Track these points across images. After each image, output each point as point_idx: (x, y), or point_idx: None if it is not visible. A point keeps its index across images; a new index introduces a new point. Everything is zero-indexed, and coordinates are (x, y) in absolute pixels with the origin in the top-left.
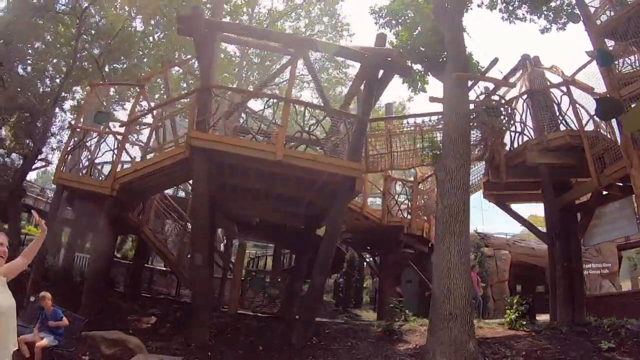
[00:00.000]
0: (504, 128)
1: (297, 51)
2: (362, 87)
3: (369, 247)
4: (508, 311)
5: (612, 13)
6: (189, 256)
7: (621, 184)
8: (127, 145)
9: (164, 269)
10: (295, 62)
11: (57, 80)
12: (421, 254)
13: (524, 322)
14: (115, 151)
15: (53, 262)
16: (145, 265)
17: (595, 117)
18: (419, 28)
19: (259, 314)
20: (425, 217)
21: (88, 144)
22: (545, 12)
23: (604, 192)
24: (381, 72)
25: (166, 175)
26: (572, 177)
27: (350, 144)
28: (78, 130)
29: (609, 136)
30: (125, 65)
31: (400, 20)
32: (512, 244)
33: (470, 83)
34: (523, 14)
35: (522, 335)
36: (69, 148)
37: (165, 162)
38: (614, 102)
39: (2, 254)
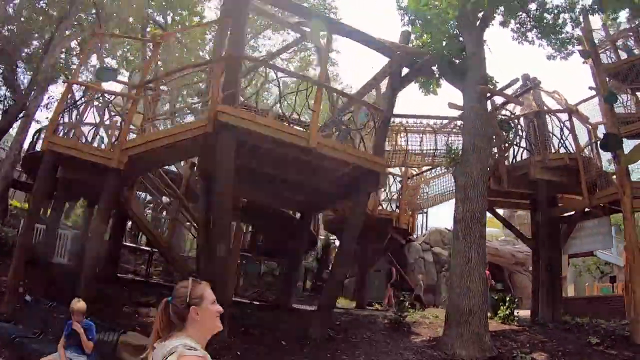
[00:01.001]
0: (511, 142)
1: (313, 32)
2: (384, 82)
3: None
4: (502, 307)
5: (611, 53)
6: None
7: (602, 205)
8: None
9: (133, 245)
10: (330, 44)
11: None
12: (397, 246)
13: (515, 318)
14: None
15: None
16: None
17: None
18: (438, 31)
19: (256, 302)
20: (411, 212)
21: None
22: (553, 40)
23: (586, 209)
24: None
25: (176, 150)
26: (560, 193)
27: (376, 138)
28: (78, 86)
29: (596, 162)
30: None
31: (421, 21)
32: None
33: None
34: (532, 38)
35: (517, 329)
36: (63, 107)
37: (182, 135)
38: (616, 138)
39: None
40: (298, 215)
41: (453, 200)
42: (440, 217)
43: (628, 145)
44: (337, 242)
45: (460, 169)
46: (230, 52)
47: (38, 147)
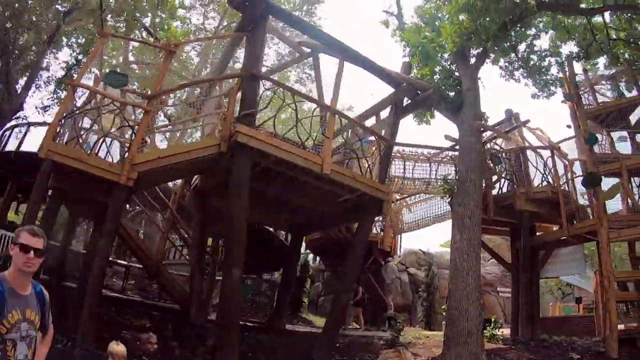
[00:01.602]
0: (500, 174)
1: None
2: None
3: (335, 256)
4: (488, 327)
5: (590, 96)
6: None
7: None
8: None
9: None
10: (341, 68)
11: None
12: (377, 266)
13: (500, 338)
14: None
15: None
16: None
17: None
18: (438, 67)
19: (249, 323)
20: (392, 234)
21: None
22: (538, 80)
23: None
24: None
25: (184, 166)
26: (540, 222)
27: (380, 165)
28: (85, 90)
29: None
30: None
31: (421, 54)
32: None
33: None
34: (519, 77)
35: (504, 347)
36: (66, 113)
37: (195, 152)
38: (596, 176)
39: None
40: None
41: (431, 226)
42: (414, 239)
43: (607, 183)
44: (318, 262)
45: (457, 199)
46: (247, 69)
47: (9, 147)
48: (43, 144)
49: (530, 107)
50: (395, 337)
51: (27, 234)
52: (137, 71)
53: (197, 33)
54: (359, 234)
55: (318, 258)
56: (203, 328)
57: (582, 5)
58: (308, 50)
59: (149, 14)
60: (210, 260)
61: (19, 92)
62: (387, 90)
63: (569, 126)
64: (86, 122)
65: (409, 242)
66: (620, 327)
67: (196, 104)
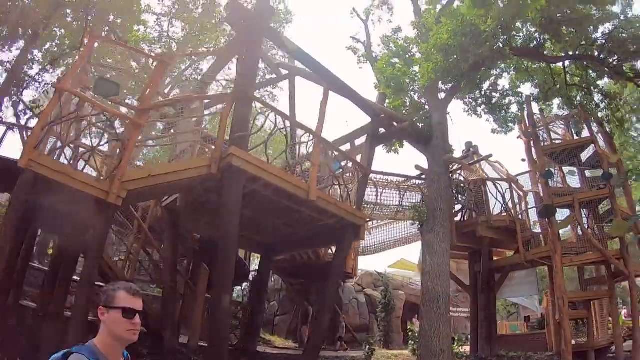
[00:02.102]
0: (464, 203)
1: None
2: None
3: (297, 277)
4: (453, 345)
5: (545, 134)
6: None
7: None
8: None
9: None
10: (327, 96)
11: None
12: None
13: (464, 355)
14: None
15: None
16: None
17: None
18: (409, 100)
19: None
20: (353, 256)
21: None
22: (498, 117)
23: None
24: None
25: (168, 187)
26: (497, 248)
27: (357, 192)
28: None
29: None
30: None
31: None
32: (405, 285)
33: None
34: (481, 112)
35: None
36: (50, 120)
37: (187, 173)
38: (551, 208)
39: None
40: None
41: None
42: (365, 260)
43: (561, 213)
44: (273, 282)
45: (427, 227)
46: (241, 90)
47: None
48: (24, 152)
49: (489, 140)
50: (369, 357)
51: (127, 294)
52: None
53: (162, 40)
54: (337, 258)
55: (274, 278)
56: (179, 352)
57: (546, 52)
58: (285, 72)
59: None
60: (182, 281)
61: None
62: (359, 116)
63: (523, 160)
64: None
65: (361, 263)
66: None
67: (171, 119)
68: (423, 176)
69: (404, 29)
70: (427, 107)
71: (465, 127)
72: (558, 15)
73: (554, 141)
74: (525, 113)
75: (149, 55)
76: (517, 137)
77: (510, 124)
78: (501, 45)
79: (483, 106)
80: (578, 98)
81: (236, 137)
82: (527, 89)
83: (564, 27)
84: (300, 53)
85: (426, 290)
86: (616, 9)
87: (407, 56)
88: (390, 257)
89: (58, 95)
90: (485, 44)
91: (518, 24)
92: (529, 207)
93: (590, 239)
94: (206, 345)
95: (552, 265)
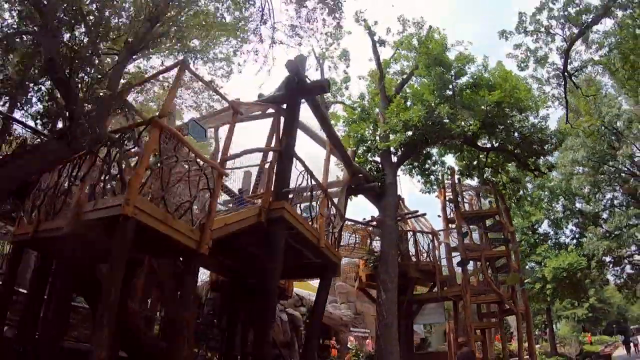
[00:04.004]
0: (403, 250)
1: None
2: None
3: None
4: None
5: (460, 197)
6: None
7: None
8: None
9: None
10: (330, 154)
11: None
12: None
13: None
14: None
15: None
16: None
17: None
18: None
19: None
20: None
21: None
22: (427, 180)
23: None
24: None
25: (233, 235)
26: (416, 284)
27: (337, 235)
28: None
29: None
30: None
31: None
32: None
33: None
34: (414, 174)
35: None
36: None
37: (246, 221)
38: (466, 260)
39: None
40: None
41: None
42: None
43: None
44: None
45: (381, 268)
46: (285, 147)
47: None
48: (129, 199)
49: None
50: None
51: None
52: None
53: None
54: (321, 293)
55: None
56: None
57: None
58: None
59: None
60: None
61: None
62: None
63: (439, 216)
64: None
65: None
66: None
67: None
68: (373, 223)
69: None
70: (380, 166)
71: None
72: (496, 119)
73: (464, 204)
74: (450, 183)
75: (226, 99)
76: (436, 196)
77: (434, 187)
78: (456, 132)
79: (417, 169)
80: (490, 176)
81: (283, 192)
82: (448, 159)
83: (497, 129)
84: (326, 123)
85: (381, 317)
86: (532, 118)
87: (371, 121)
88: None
89: (158, 133)
90: (443, 128)
91: (464, 121)
92: (442, 255)
93: (491, 285)
94: None
95: (463, 301)
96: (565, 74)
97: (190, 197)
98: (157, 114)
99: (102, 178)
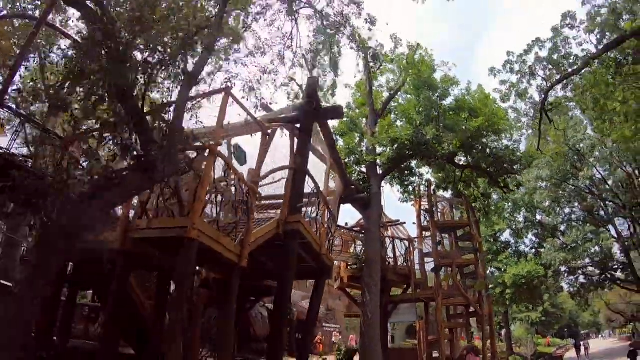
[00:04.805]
0: (384, 256)
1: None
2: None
3: None
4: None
5: (436, 208)
6: None
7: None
8: None
9: None
10: (330, 169)
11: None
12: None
13: None
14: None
15: None
16: None
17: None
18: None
19: None
20: None
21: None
22: (405, 190)
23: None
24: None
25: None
26: (393, 286)
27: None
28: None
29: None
30: None
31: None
32: (294, 304)
33: None
34: (394, 184)
35: None
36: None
37: (270, 234)
38: (439, 266)
39: None
40: None
41: None
42: None
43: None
44: None
45: (366, 273)
46: (300, 165)
47: None
48: (194, 223)
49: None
50: None
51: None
52: None
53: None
54: (317, 292)
55: None
56: None
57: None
58: None
59: None
60: None
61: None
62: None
63: (414, 223)
64: None
65: None
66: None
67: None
68: (356, 228)
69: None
70: (366, 176)
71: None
72: (474, 141)
73: (438, 214)
74: (426, 194)
75: (258, 121)
76: (412, 205)
77: (412, 197)
78: (440, 153)
79: (397, 180)
80: (463, 190)
81: (298, 207)
82: (425, 170)
83: (475, 149)
84: (333, 146)
85: (366, 317)
86: (505, 141)
87: (358, 132)
88: None
89: (213, 160)
90: (429, 149)
91: (448, 142)
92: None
93: (460, 289)
94: None
95: (435, 303)
96: (542, 110)
97: (237, 218)
98: (211, 141)
99: (158, 198)
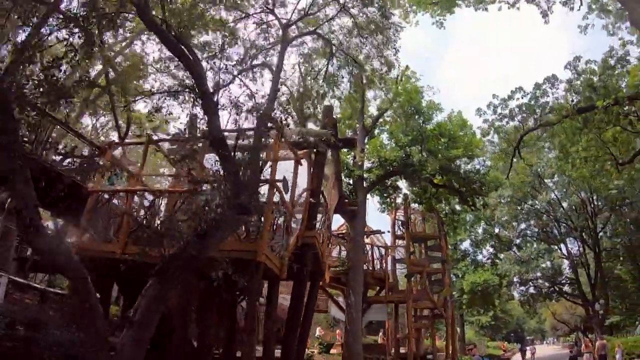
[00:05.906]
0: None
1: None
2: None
3: None
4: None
5: (414, 219)
6: None
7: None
8: None
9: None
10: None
11: None
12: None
13: None
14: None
15: None
16: None
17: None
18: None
19: None
20: None
21: None
22: (384, 201)
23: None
24: None
25: None
26: (368, 288)
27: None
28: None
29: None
30: None
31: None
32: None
33: None
34: (374, 196)
35: None
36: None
37: (293, 246)
38: (411, 273)
39: None
40: None
41: None
42: None
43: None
44: None
45: (351, 276)
46: (315, 189)
47: None
48: (263, 248)
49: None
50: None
51: None
52: None
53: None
54: (312, 296)
55: None
56: None
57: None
58: None
59: None
60: None
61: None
62: None
63: (388, 231)
64: None
65: None
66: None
67: None
68: (340, 233)
69: None
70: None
71: None
72: (451, 164)
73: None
74: (402, 206)
75: (295, 152)
76: (387, 214)
77: (389, 208)
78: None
79: (378, 192)
80: (435, 205)
81: (313, 224)
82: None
83: (451, 171)
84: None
85: (350, 316)
86: (477, 165)
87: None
88: None
89: (274, 190)
90: (415, 171)
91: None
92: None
93: (428, 294)
94: None
95: (405, 305)
96: (516, 149)
97: (282, 240)
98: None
99: None
